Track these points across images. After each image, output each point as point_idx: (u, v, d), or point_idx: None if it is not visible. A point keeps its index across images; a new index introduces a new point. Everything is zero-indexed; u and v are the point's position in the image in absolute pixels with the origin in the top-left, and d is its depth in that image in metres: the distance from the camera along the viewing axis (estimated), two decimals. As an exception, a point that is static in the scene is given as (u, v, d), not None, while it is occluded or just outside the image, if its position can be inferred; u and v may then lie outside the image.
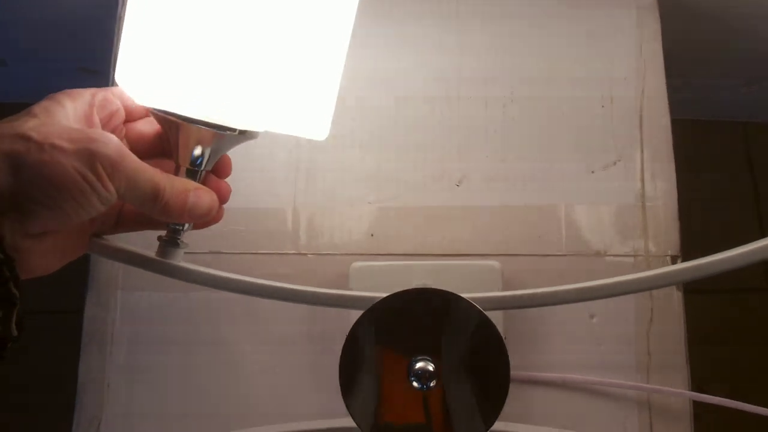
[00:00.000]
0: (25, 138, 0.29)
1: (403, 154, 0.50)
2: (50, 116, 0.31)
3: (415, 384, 0.34)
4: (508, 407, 0.44)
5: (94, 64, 0.74)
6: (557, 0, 0.52)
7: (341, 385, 0.35)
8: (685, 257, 0.48)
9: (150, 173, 0.32)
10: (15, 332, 0.30)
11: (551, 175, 0.49)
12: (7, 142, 0.29)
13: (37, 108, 0.32)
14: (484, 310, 0.36)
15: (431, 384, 0.34)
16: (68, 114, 0.32)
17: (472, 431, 0.35)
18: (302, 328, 0.47)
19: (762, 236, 0.36)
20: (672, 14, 0.54)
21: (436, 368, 0.34)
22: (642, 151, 0.49)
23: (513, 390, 0.43)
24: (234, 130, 0.33)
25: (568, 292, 0.37)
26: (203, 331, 0.48)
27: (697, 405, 0.46)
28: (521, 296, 0.37)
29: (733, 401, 0.44)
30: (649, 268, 0.48)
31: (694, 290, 0.53)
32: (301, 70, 0.32)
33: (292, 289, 0.36)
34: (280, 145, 0.49)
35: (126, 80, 0.34)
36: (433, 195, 0.49)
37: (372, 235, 0.49)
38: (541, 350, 0.47)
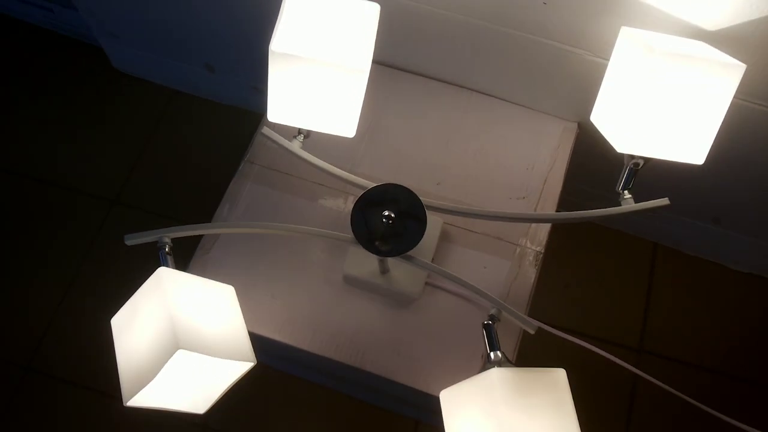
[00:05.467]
0: None
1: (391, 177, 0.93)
2: None
3: (383, 219, 0.73)
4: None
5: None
6: (509, 109, 0.95)
7: (352, 219, 0.75)
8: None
9: None
10: None
11: (485, 199, 0.90)
12: None
13: None
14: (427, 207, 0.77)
15: (391, 221, 0.72)
16: None
17: (409, 238, 0.73)
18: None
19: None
20: (586, 144, 0.95)
21: (395, 217, 0.73)
22: (539, 197, 0.90)
23: (432, 294, 0.81)
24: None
25: (484, 213, 0.77)
26: (284, 218, 0.90)
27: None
28: (448, 207, 0.77)
29: (575, 338, 0.80)
30: (526, 256, 0.87)
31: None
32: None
33: (340, 173, 0.77)
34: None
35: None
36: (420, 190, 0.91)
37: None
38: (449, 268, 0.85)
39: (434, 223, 0.86)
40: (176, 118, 1.31)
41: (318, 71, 0.65)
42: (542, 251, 0.87)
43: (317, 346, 0.83)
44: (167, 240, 0.74)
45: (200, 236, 0.90)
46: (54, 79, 1.35)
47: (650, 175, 0.84)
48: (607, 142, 0.70)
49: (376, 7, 0.68)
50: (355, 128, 0.72)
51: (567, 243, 1.14)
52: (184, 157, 1.28)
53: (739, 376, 1.12)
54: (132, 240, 0.74)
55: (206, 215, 0.93)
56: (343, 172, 0.76)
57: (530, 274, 0.86)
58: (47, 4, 1.28)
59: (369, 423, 1.09)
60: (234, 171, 0.93)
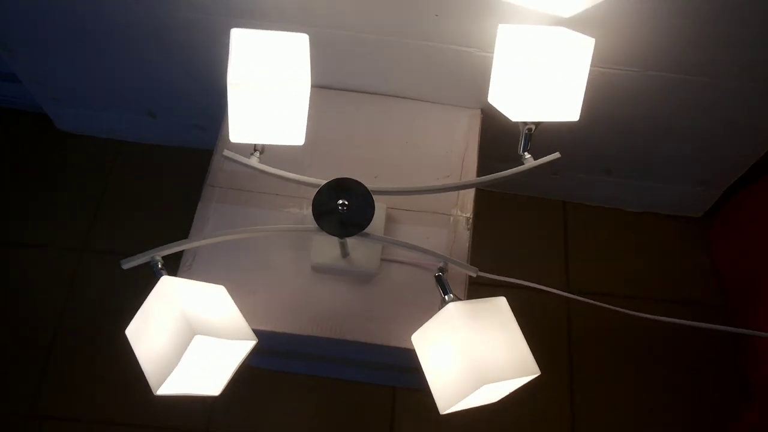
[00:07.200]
0: None
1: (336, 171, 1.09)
2: None
3: (339, 207, 0.88)
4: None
5: (205, 123, 1.35)
6: (423, 106, 1.13)
7: (313, 211, 0.90)
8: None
9: None
10: None
11: (417, 183, 1.07)
12: None
13: None
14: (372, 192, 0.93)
15: (345, 208, 0.88)
16: None
17: (363, 217, 0.89)
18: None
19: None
20: (491, 121, 1.14)
21: (348, 203, 0.88)
22: (461, 173, 1.08)
23: (388, 267, 0.97)
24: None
25: (418, 189, 0.93)
26: (243, 222, 1.04)
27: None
28: (389, 188, 0.93)
29: (511, 279, 0.97)
30: (459, 222, 1.04)
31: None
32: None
33: (296, 177, 0.92)
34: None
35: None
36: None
37: (333, 193, 1.06)
38: (398, 237, 1.02)
39: (380, 208, 1.02)
40: (127, 166, 1.42)
41: (268, 93, 0.80)
42: (471, 216, 1.05)
43: (299, 328, 0.97)
44: (158, 258, 0.87)
45: (179, 259, 1.03)
46: (1, 150, 1.43)
47: (546, 140, 1.03)
48: (506, 117, 0.89)
49: (305, 36, 0.84)
50: (304, 136, 0.88)
51: (490, 213, 1.33)
52: (139, 199, 1.40)
53: (650, 296, 1.33)
54: (127, 264, 0.86)
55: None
56: (300, 176, 0.91)
57: (465, 236, 1.03)
58: (-14, 81, 1.38)
59: (350, 398, 1.24)
60: (189, 203, 1.06)
